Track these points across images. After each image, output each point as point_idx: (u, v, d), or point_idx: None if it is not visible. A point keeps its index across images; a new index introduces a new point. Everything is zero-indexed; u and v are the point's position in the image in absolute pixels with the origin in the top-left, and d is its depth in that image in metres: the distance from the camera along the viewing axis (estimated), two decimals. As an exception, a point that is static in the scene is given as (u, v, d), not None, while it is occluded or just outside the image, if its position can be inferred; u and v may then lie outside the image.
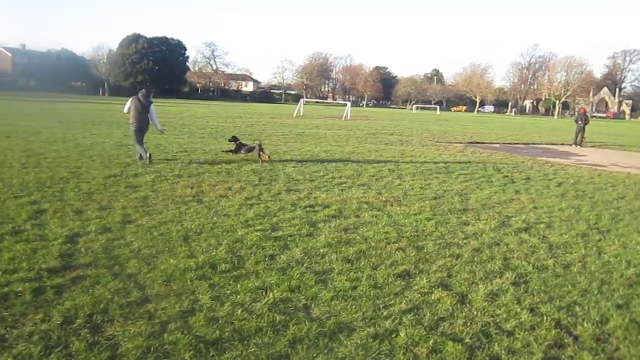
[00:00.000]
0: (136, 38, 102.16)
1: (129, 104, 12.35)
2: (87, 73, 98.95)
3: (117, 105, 49.27)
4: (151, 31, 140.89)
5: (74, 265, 5.17)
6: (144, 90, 12.61)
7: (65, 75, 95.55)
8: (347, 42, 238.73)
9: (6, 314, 4.03)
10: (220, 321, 4.11)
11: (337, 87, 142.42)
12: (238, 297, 4.59)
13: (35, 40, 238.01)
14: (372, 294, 4.84)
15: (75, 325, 3.92)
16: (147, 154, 12.06)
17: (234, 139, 13.91)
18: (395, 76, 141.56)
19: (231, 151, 13.75)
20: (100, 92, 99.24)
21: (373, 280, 5.18)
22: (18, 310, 4.10)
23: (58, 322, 3.94)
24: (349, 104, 50.01)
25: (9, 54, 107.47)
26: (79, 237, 6.08)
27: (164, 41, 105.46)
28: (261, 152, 13.40)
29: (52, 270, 4.99)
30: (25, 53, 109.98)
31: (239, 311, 4.30)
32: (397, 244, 6.41)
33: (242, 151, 13.57)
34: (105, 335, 3.80)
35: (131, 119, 12.27)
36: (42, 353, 3.51)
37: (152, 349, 3.65)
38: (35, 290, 4.49)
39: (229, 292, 4.70)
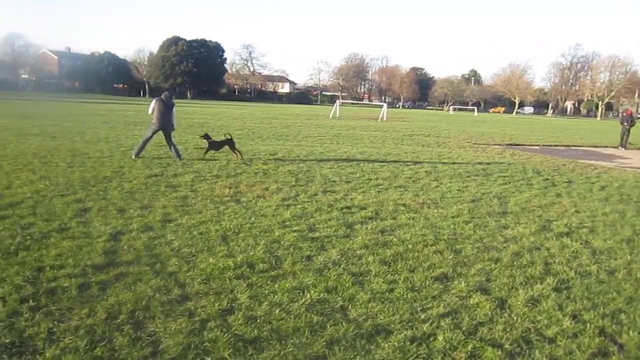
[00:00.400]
0: (176, 40, 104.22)
1: (153, 104, 12.79)
2: (129, 75, 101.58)
3: (157, 106, 50.34)
4: (190, 33, 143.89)
5: (117, 262, 5.32)
6: (167, 92, 13.16)
7: (108, 77, 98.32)
8: (383, 43, 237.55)
9: (54, 308, 4.18)
10: (258, 320, 4.16)
11: (373, 88, 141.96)
12: (276, 297, 4.64)
13: (80, 43, 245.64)
14: (409, 296, 4.81)
15: (118, 320, 4.03)
16: (176, 152, 12.75)
17: (207, 136, 13.73)
18: (432, 77, 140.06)
19: (207, 150, 13.59)
20: (141, 93, 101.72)
21: (410, 282, 5.15)
22: (65, 305, 4.25)
23: (102, 317, 4.06)
24: (385, 105, 49.74)
25: (55, 57, 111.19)
26: (122, 235, 6.25)
27: (202, 43, 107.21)
28: (233, 148, 13.53)
29: (97, 266, 5.15)
30: (70, 56, 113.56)
31: (277, 311, 4.34)
32: (434, 247, 6.36)
33: (214, 148, 13.59)
34: (147, 332, 3.90)
35: (154, 119, 12.71)
36: (87, 347, 3.62)
37: (192, 346, 3.72)
38: (81, 286, 4.64)
39: (266, 291, 4.75)
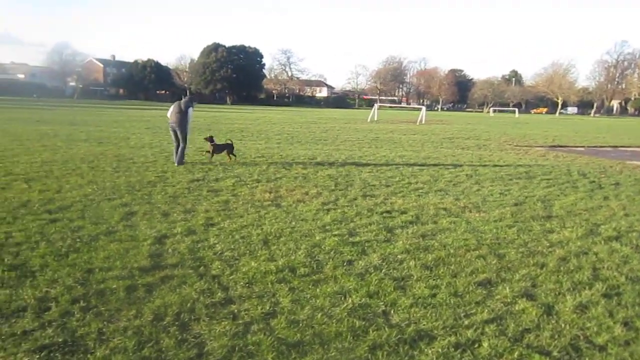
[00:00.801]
0: (216, 47, 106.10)
1: (171, 108, 13.06)
2: (171, 82, 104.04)
3: (199, 112, 51.27)
4: (230, 40, 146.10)
5: (163, 265, 5.44)
6: (189, 96, 13.43)
7: (151, 84, 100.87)
8: (421, 45, 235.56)
9: (103, 309, 4.31)
10: (300, 324, 4.18)
11: (411, 91, 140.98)
12: (317, 301, 4.65)
13: (124, 51, 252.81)
14: (452, 302, 4.75)
15: (164, 322, 4.12)
16: (180, 155, 12.79)
17: (211, 139, 13.69)
18: (471, 79, 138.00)
19: (211, 153, 13.59)
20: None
21: (453, 288, 5.08)
22: (113, 306, 4.37)
23: (149, 319, 4.16)
24: (423, 108, 49.32)
25: (101, 65, 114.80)
26: (166, 239, 6.39)
27: (241, 49, 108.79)
28: (230, 153, 13.68)
29: (143, 269, 5.28)
30: (115, 64, 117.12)
31: (319, 315, 4.35)
32: (477, 252, 6.25)
33: (218, 151, 13.64)
34: (193, 334, 3.97)
35: (170, 120, 13.01)
36: (135, 347, 3.72)
37: (236, 348, 3.77)
38: (128, 288, 4.77)
39: (308, 295, 4.77)
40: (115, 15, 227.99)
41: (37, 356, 3.54)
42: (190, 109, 12.98)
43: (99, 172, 11.06)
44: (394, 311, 4.51)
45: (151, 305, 4.41)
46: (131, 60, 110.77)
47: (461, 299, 4.81)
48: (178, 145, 12.90)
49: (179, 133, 12.86)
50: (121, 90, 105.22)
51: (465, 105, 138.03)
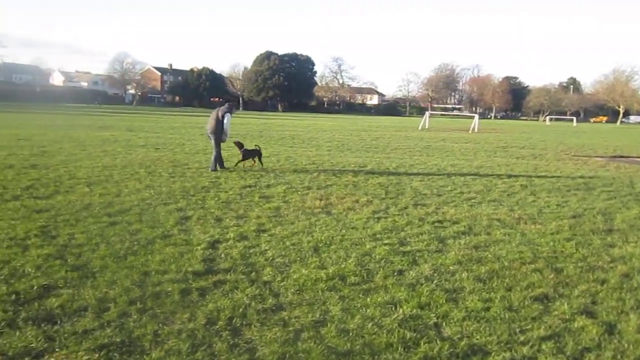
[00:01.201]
0: (268, 55, 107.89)
1: (212, 114, 13.29)
2: (224, 89, 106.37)
3: (251, 119, 52.26)
4: (282, 48, 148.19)
5: (216, 269, 5.55)
6: (226, 104, 13.56)
7: (205, 92, 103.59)
8: (474, 52, 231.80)
9: (159, 311, 4.44)
10: (350, 334, 4.17)
11: (463, 98, 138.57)
12: (368, 310, 4.62)
13: (180, 60, 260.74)
14: (506, 316, 4.61)
15: (217, 326, 4.20)
16: (213, 161, 12.97)
17: (239, 144, 13.74)
18: (527, 86, 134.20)
19: (242, 159, 13.64)
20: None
21: (507, 302, 4.94)
22: (168, 309, 4.49)
23: (202, 322, 4.24)
24: (476, 116, 48.37)
25: (158, 73, 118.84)
26: (219, 244, 6.52)
27: (293, 57, 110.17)
28: (258, 159, 13.70)
29: (197, 273, 5.40)
30: (172, 72, 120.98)
31: (369, 325, 4.32)
32: (533, 265, 6.06)
33: (246, 157, 13.61)
34: (244, 339, 4.03)
35: (207, 126, 13.26)
36: (189, 350, 3.80)
37: (287, 355, 3.79)
38: (183, 291, 4.89)
39: (358, 305, 4.75)
40: (173, 26, 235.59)
41: (97, 355, 3.67)
42: (228, 116, 13.06)
43: (155, 177, 11.42)
44: (445, 324, 4.42)
45: (204, 309, 4.50)
46: (187, 68, 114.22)
47: (516, 314, 4.67)
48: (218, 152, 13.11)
49: (212, 140, 13.08)
50: (177, 98, 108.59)
51: (519, 114, 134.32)
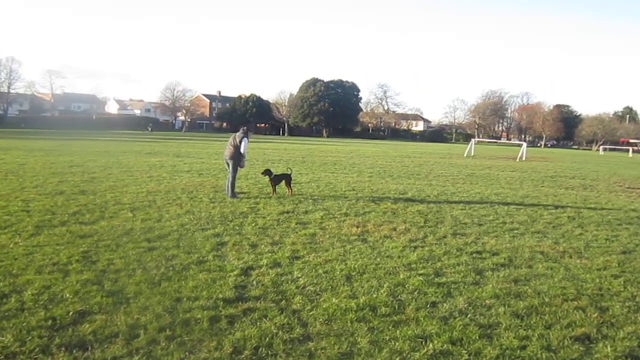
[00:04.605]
0: (314, 82, 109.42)
1: (229, 140, 13.23)
2: (270, 115, 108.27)
3: (295, 144, 52.78)
4: (328, 74, 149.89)
5: (246, 297, 5.56)
6: (244, 128, 13.48)
7: (252, 118, 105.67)
8: (523, 79, 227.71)
9: (186, 338, 4.46)
10: (377, 368, 4.06)
11: (512, 126, 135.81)
12: (397, 344, 4.50)
13: (229, 87, 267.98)
14: (543, 356, 4.40)
15: (242, 356, 4.18)
16: (231, 187, 12.85)
17: (268, 172, 13.51)
18: (579, 114, 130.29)
19: (273, 185, 13.42)
20: (281, 132, 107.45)
21: (546, 340, 4.71)
22: (196, 337, 4.51)
23: (228, 352, 4.23)
24: (524, 144, 47.28)
25: (207, 100, 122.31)
26: (252, 270, 6.54)
27: (339, 84, 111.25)
28: (288, 183, 13.45)
29: (227, 300, 5.42)
30: (220, 99, 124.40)
31: (397, 359, 4.20)
32: (575, 302, 5.77)
33: (276, 182, 13.38)
34: (268, 370, 3.99)
35: (225, 152, 13.18)
36: (212, 380, 3.79)
37: (309, 388, 3.72)
38: (212, 319, 4.90)
39: (387, 337, 4.64)
40: (223, 54, 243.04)
41: (122, 381, 3.71)
42: (245, 141, 12.96)
43: (196, 203, 11.63)
44: (477, 361, 4.25)
45: (231, 338, 4.49)
46: (235, 95, 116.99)
47: (554, 354, 4.44)
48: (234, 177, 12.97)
49: (230, 165, 12.95)
50: (224, 124, 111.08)
51: (571, 142, 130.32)
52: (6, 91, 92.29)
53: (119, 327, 4.62)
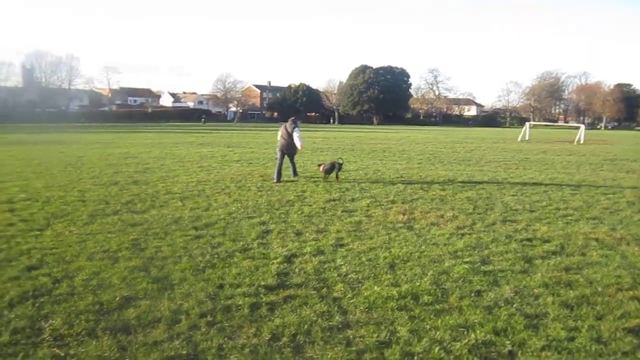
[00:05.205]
0: (363, 69, 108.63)
1: (280, 129, 14.13)
2: (320, 104, 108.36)
3: (344, 133, 52.68)
4: (377, 61, 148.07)
5: (288, 284, 5.58)
6: (291, 120, 14.22)
7: (302, 107, 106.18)
8: (581, 58, 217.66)
9: (227, 325, 4.52)
10: (415, 357, 3.99)
11: (569, 108, 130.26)
12: (437, 333, 4.41)
13: (279, 77, 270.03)
14: (593, 349, 4.19)
15: (280, 343, 4.20)
16: (293, 170, 14.24)
17: (322, 164, 14.27)
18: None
19: (325, 174, 13.88)
20: (331, 120, 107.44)
21: (596, 332, 4.49)
22: (236, 323, 4.56)
23: (267, 338, 4.26)
24: (582, 126, 45.31)
25: (258, 90, 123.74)
26: (295, 258, 6.56)
27: (388, 70, 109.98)
28: (337, 171, 13.78)
29: (269, 287, 5.46)
30: (271, 89, 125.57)
31: (437, 349, 4.12)
32: (630, 292, 5.47)
33: (329, 172, 13.78)
34: (305, 357, 3.99)
35: (278, 143, 14.09)
36: (251, 366, 3.83)
37: (346, 376, 3.70)
38: (252, 305, 4.95)
39: (428, 326, 4.54)
40: (273, 44, 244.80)
41: (162, 366, 3.80)
42: (297, 130, 13.82)
43: (244, 192, 11.78)
44: (521, 353, 4.11)
45: (270, 325, 4.52)
46: (285, 84, 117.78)
47: (605, 347, 4.23)
48: (280, 163, 13.82)
49: (283, 154, 13.92)
50: (275, 114, 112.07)
51: (634, 124, 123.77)
52: (67, 87, 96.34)
53: (162, 312, 4.74)
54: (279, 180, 13.56)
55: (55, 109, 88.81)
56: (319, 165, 14.41)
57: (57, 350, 4.01)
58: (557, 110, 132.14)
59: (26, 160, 18.69)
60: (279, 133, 14.11)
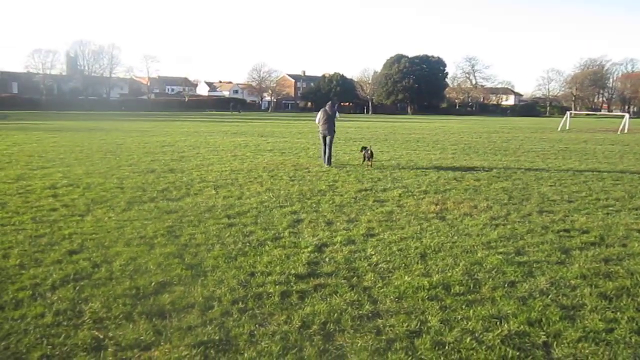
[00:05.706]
0: (399, 58, 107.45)
1: (319, 115, 14.73)
2: (354, 93, 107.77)
3: (378, 122, 52.36)
4: (413, 50, 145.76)
5: (318, 273, 5.60)
6: (330, 102, 14.99)
7: (336, 97, 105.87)
8: (628, 45, 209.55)
9: (258, 312, 4.57)
10: (446, 347, 3.95)
11: (613, 97, 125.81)
12: (469, 323, 4.35)
13: (313, 67, 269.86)
14: (633, 340, 4.07)
15: (310, 330, 4.22)
16: (328, 158, 14.56)
17: (364, 149, 14.83)
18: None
19: (364, 158, 14.69)
20: (365, 110, 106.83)
21: (636, 324, 4.36)
22: (267, 310, 4.61)
23: (297, 326, 4.29)
24: (626, 115, 43.80)
25: (292, 80, 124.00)
26: (326, 247, 6.57)
27: (424, 59, 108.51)
28: (370, 158, 14.45)
29: (299, 276, 5.49)
30: (305, 78, 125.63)
31: (468, 339, 4.07)
32: (673, 284, 5.29)
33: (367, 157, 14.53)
34: (335, 345, 4.00)
35: (320, 127, 14.62)
36: (280, 352, 3.86)
37: (375, 364, 3.69)
38: (283, 293, 4.99)
39: (459, 316, 4.49)
40: (308, 34, 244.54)
41: (195, 351, 3.86)
42: (337, 113, 14.52)
43: (276, 181, 11.86)
44: (557, 344, 4.02)
45: (301, 312, 4.55)
46: (319, 74, 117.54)
47: (645, 339, 4.10)
48: (324, 148, 14.52)
49: (328, 139, 14.40)
50: (309, 103, 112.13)
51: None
52: (108, 75, 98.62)
53: (196, 298, 4.82)
54: (329, 163, 14.34)
55: (97, 96, 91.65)
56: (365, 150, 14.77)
57: (97, 333, 4.12)
58: (601, 99, 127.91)
59: (69, 146, 19.27)
60: (319, 117, 14.66)
